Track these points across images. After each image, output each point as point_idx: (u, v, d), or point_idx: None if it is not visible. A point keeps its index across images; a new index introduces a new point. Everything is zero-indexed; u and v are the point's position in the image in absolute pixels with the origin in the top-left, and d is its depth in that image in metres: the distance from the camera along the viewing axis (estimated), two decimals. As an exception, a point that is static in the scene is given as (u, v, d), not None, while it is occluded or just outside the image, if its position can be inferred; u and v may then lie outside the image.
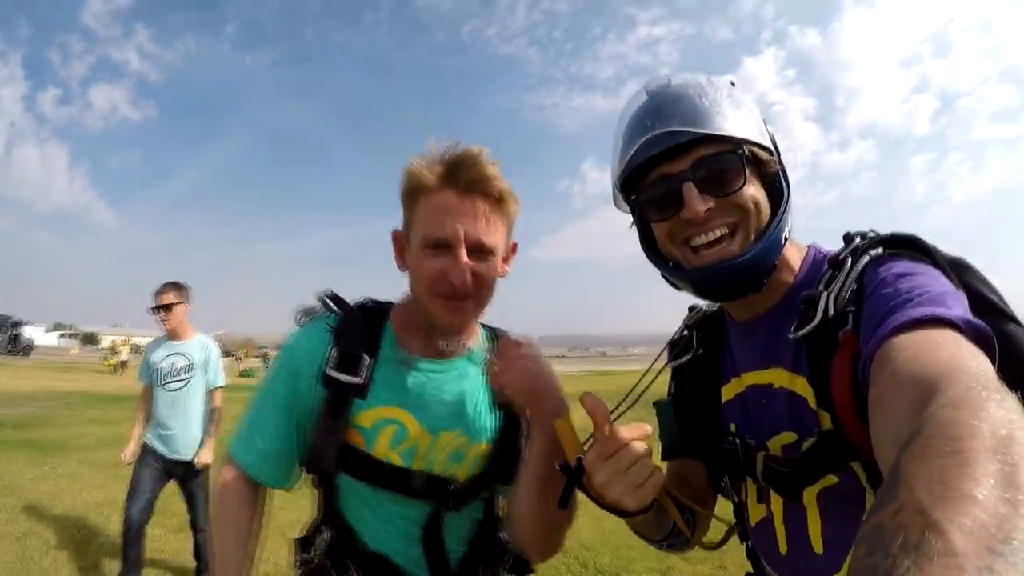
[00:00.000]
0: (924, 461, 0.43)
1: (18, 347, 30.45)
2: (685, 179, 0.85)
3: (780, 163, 0.91)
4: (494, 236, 1.12)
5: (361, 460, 1.16)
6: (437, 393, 1.20)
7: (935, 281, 0.73)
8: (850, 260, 0.82)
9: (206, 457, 3.97)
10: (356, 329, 1.19)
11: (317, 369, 1.16)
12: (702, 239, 0.86)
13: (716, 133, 0.84)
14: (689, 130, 0.83)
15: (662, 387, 1.13)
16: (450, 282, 1.08)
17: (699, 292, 0.93)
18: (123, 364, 28.64)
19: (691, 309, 1.13)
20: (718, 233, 0.85)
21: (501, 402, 1.19)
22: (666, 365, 1.11)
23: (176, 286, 3.98)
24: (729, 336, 1.03)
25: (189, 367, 3.99)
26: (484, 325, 1.34)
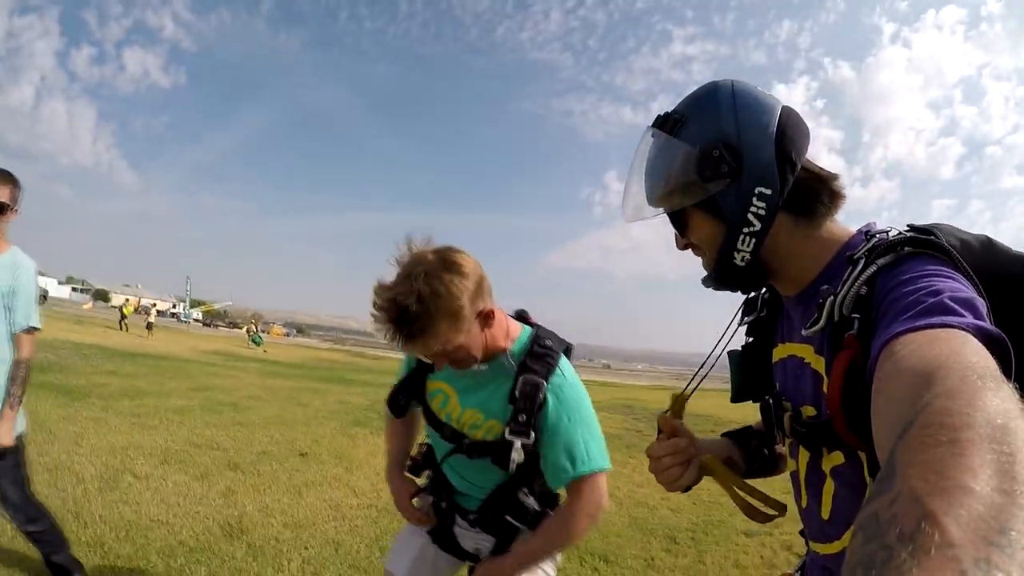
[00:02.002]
0: (919, 450, 0.44)
1: (33, 295, 30.82)
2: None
3: (733, 181, 0.96)
4: (448, 344, 1.47)
5: (426, 407, 1.81)
6: (471, 383, 1.69)
7: (949, 286, 0.73)
8: (863, 262, 0.84)
9: (5, 436, 2.65)
10: None
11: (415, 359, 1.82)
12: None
13: (655, 213, 1.06)
14: (642, 216, 1.08)
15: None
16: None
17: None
18: (123, 315, 29.97)
19: None
20: (701, 256, 1.07)
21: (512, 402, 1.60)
22: (741, 323, 1.22)
23: (6, 177, 2.65)
24: (784, 304, 1.13)
25: None
26: (530, 326, 1.75)
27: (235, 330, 38.80)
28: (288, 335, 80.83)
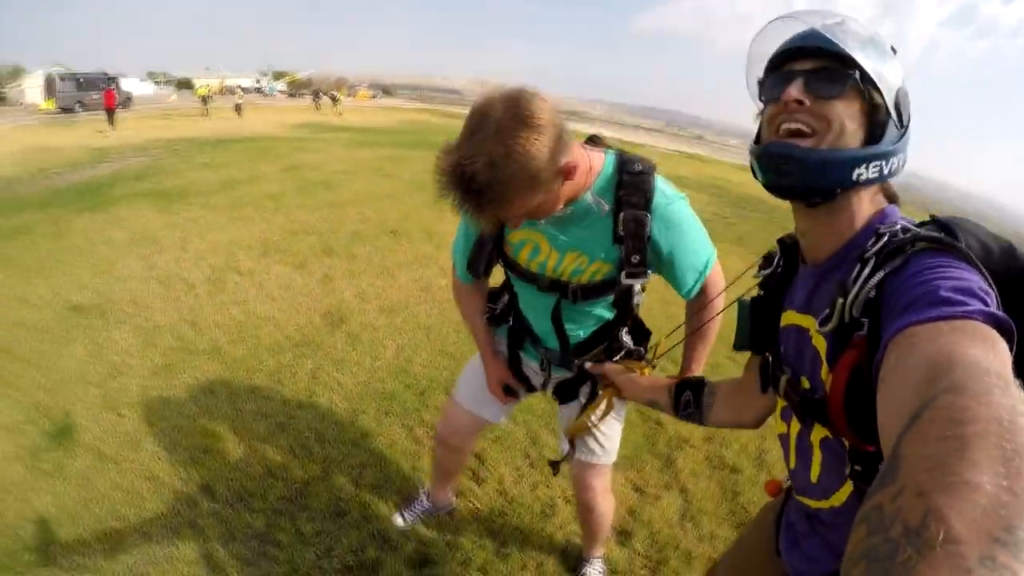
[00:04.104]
0: (924, 444, 0.44)
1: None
2: (800, 75, 0.93)
3: (894, 124, 0.93)
4: (516, 212, 1.30)
5: (511, 263, 1.66)
6: (563, 226, 1.51)
7: (954, 276, 0.72)
8: (872, 262, 0.82)
9: None
10: None
11: None
12: (785, 125, 0.93)
13: (847, 54, 0.90)
14: (830, 43, 0.91)
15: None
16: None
17: (760, 171, 0.97)
18: (205, 100, 29.57)
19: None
20: (798, 125, 0.92)
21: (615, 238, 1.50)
22: (755, 276, 1.21)
23: None
24: (799, 270, 1.10)
25: None
26: (613, 151, 1.55)
27: (323, 97, 38.74)
28: (375, 96, 79.82)
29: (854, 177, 0.90)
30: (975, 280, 0.72)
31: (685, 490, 2.89)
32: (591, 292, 1.58)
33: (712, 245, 1.60)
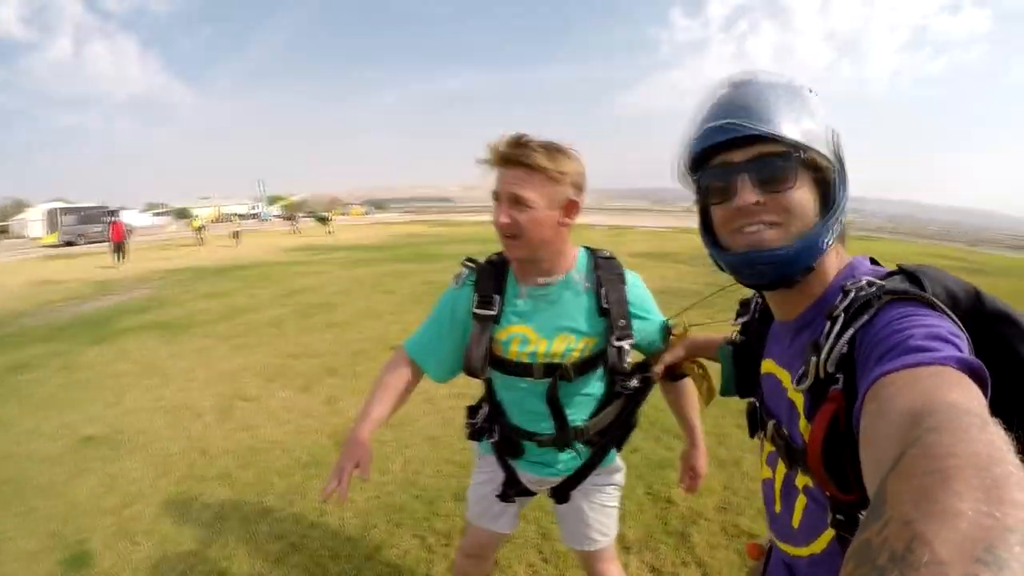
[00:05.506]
0: (909, 479, 0.46)
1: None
2: (742, 171, 0.93)
3: (840, 176, 0.94)
4: (529, 191, 1.54)
5: (501, 360, 1.74)
6: (544, 311, 1.71)
7: (925, 323, 0.74)
8: (841, 319, 0.84)
9: None
10: (487, 278, 1.75)
11: (467, 309, 1.74)
12: (748, 228, 0.94)
13: (779, 135, 0.90)
14: (755, 126, 0.90)
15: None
16: (497, 222, 1.58)
17: (735, 275, 1.00)
18: (198, 231, 29.64)
19: None
20: (762, 226, 0.93)
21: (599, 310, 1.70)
22: (732, 323, 1.28)
23: None
24: (773, 321, 1.13)
25: None
26: (587, 248, 1.80)
27: (301, 221, 39.48)
28: (367, 213, 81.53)
29: (823, 247, 0.93)
30: (945, 325, 0.74)
31: (703, 564, 2.93)
32: (585, 366, 1.73)
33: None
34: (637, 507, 3.39)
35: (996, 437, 0.48)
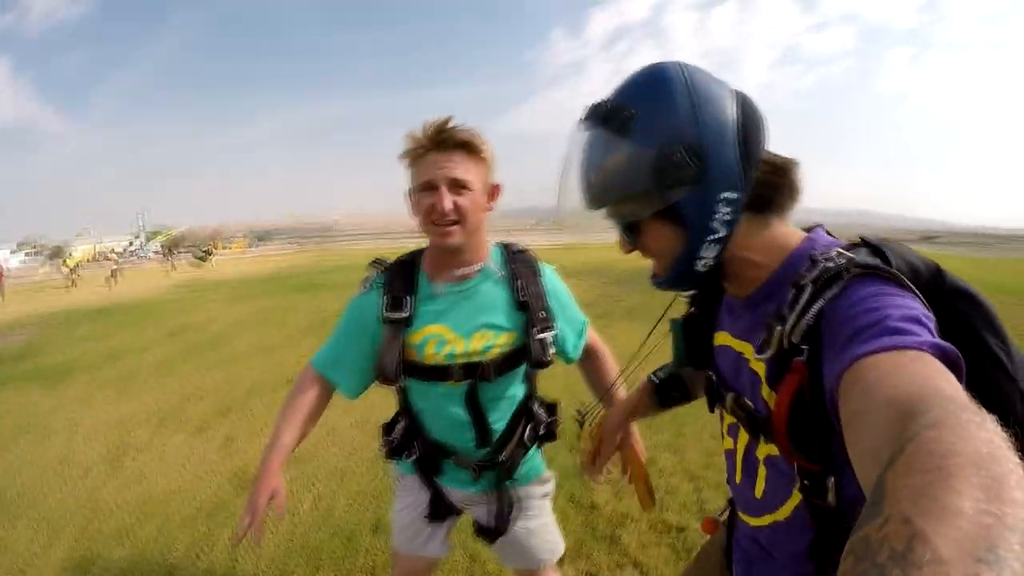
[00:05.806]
0: (908, 477, 0.45)
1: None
2: (615, 226, 1.02)
3: (704, 181, 0.89)
4: (467, 174, 1.52)
5: (415, 366, 1.65)
6: (462, 308, 1.65)
7: (898, 304, 0.75)
8: (808, 290, 0.83)
9: None
10: (397, 279, 1.67)
11: (376, 315, 1.64)
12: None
13: (610, 208, 0.98)
14: (593, 209, 0.99)
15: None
16: (439, 210, 1.50)
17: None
18: (71, 271, 27.18)
19: None
20: (652, 260, 1.03)
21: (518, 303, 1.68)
22: (684, 297, 1.26)
23: None
24: (724, 295, 1.14)
25: None
26: (498, 243, 1.79)
27: (176, 257, 37.24)
28: (251, 246, 77.81)
29: (702, 268, 0.95)
30: (918, 307, 0.75)
31: (639, 564, 3.02)
32: (506, 364, 1.67)
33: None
34: (562, 516, 3.44)
35: (995, 435, 0.48)
